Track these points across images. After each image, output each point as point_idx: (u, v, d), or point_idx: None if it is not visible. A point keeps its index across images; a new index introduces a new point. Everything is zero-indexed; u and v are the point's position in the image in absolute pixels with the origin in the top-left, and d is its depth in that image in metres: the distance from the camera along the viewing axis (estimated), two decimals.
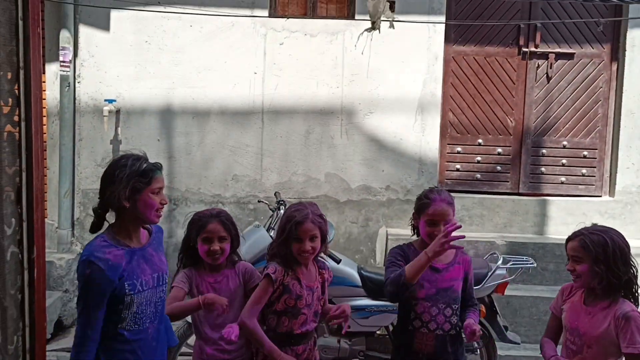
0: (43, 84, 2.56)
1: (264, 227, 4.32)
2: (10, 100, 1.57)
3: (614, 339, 2.43)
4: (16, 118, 1.57)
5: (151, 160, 2.29)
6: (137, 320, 2.34)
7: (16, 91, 1.57)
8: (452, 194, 5.58)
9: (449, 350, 2.82)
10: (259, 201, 5.04)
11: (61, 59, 5.23)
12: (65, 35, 5.23)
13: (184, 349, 4.15)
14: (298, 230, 2.65)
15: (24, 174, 1.57)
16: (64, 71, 5.27)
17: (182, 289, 2.74)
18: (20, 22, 1.56)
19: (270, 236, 4.23)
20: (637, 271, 2.50)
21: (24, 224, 1.57)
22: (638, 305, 2.50)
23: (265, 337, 2.68)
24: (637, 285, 2.51)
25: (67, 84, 5.31)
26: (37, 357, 1.59)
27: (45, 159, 5.47)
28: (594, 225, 2.60)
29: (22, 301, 1.56)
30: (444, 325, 2.80)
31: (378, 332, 4.16)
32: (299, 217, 2.67)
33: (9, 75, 1.56)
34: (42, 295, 1.62)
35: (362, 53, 5.41)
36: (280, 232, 2.73)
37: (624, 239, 2.50)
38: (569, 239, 2.56)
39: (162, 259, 2.52)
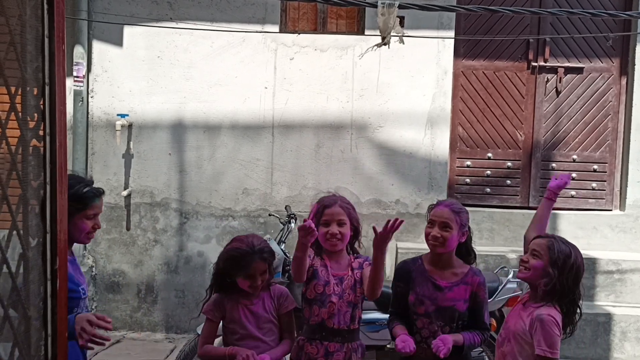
0: None
1: (275, 240, 4.34)
2: (35, 115, 1.60)
3: (528, 339, 2.52)
4: (41, 132, 1.60)
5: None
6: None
7: (41, 106, 1.61)
8: None
9: None
10: (269, 215, 5.06)
11: (75, 74, 5.31)
12: (79, 51, 5.31)
13: None
14: (325, 213, 2.72)
15: (48, 187, 1.60)
16: (77, 86, 5.34)
17: (215, 322, 2.73)
18: (46, 40, 1.60)
19: (282, 249, 4.26)
20: (580, 298, 2.60)
21: (48, 236, 1.60)
22: (574, 330, 2.61)
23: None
24: (578, 311, 2.59)
25: (81, 98, 5.38)
26: None
27: None
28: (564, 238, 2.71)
29: (44, 311, 1.59)
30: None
31: (388, 345, 4.16)
32: (327, 201, 2.79)
33: (35, 91, 1.60)
34: (64, 305, 1.64)
35: (373, 66, 5.46)
36: (311, 215, 2.78)
37: (584, 265, 2.61)
38: (538, 237, 2.67)
39: (78, 269, 2.66)
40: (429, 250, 2.88)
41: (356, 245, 2.95)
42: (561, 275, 2.51)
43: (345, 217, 2.75)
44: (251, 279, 2.63)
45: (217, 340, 2.93)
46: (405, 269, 2.90)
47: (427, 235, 2.80)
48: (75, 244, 2.62)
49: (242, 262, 2.62)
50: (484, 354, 4.12)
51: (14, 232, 1.50)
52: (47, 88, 1.62)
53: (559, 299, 2.53)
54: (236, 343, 2.68)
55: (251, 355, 2.57)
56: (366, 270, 2.78)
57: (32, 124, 1.58)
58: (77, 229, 2.43)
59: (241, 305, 2.69)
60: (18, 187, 1.54)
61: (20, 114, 1.53)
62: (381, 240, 2.60)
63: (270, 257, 2.66)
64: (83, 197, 2.44)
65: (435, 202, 2.93)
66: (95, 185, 2.56)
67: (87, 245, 5.58)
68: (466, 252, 2.89)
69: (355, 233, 2.85)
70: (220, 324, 2.80)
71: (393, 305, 2.93)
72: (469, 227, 2.88)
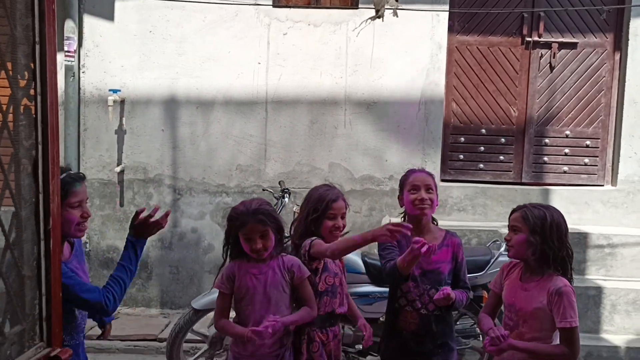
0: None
1: None
2: (26, 74, 1.59)
3: (548, 314, 2.50)
4: (32, 92, 1.59)
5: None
6: (72, 330, 2.40)
7: (32, 65, 1.59)
8: (456, 184, 5.66)
9: (433, 329, 2.85)
10: (263, 190, 5.06)
11: (66, 48, 5.26)
12: (69, 25, 5.25)
13: (189, 336, 4.19)
14: (333, 207, 2.78)
15: (40, 147, 1.60)
16: (68, 61, 5.29)
17: (227, 295, 2.72)
18: None
19: None
20: (572, 252, 2.60)
21: (40, 196, 1.60)
22: (572, 283, 2.58)
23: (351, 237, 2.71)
24: (572, 266, 2.59)
25: (72, 74, 5.34)
26: (54, 325, 1.62)
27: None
28: (537, 203, 2.71)
29: (38, 271, 1.59)
30: (428, 305, 2.84)
31: (381, 318, 4.19)
32: (332, 195, 2.82)
33: (25, 50, 1.58)
34: (58, 266, 1.64)
35: (367, 41, 5.44)
36: (312, 211, 2.81)
37: (564, 219, 2.59)
38: (513, 211, 2.66)
39: (85, 270, 2.55)
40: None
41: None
42: (544, 240, 2.51)
43: (345, 210, 2.86)
44: (250, 241, 2.62)
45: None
46: None
47: (412, 201, 2.84)
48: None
49: (236, 223, 2.63)
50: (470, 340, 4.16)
51: (7, 191, 1.50)
52: (37, 47, 1.60)
53: (553, 262, 2.54)
54: (246, 309, 2.67)
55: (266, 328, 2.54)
56: None
57: (22, 84, 1.57)
58: (64, 222, 2.17)
59: (250, 274, 2.68)
60: (10, 146, 1.53)
61: (10, 72, 1.52)
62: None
63: (267, 219, 2.62)
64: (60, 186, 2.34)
65: (405, 173, 2.98)
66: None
67: None
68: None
69: None
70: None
71: (384, 259, 2.89)
72: None
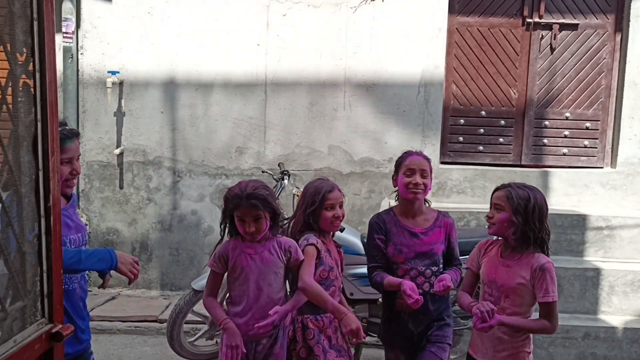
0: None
1: None
2: (24, 50, 1.58)
3: (530, 290, 2.59)
4: (31, 68, 1.59)
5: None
6: (65, 278, 2.37)
7: (30, 42, 1.58)
8: (455, 166, 5.66)
9: (430, 308, 2.88)
10: (262, 172, 5.07)
11: (64, 30, 5.23)
12: (67, 6, 5.21)
13: (190, 317, 4.22)
14: (329, 198, 2.81)
15: (39, 124, 1.59)
16: (66, 42, 5.27)
17: (219, 274, 2.74)
18: None
19: None
20: (550, 233, 2.66)
21: (40, 173, 1.59)
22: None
23: (329, 296, 2.72)
24: (548, 247, 2.66)
25: (70, 55, 5.31)
26: (55, 302, 1.62)
27: None
28: (520, 182, 2.76)
29: (39, 247, 1.60)
30: (423, 285, 2.87)
31: (381, 299, 4.22)
32: (327, 186, 2.87)
33: (23, 26, 1.57)
34: (59, 243, 1.65)
35: (367, 23, 5.40)
36: (310, 204, 2.83)
37: (546, 201, 2.66)
38: (496, 189, 2.71)
39: (81, 221, 2.60)
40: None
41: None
42: (526, 221, 2.56)
43: (342, 199, 2.90)
44: (243, 223, 2.62)
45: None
46: (381, 221, 2.97)
47: (406, 185, 2.85)
48: None
49: (230, 204, 2.64)
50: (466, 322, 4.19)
51: (6, 168, 1.50)
52: (35, 23, 1.59)
53: (533, 242, 2.59)
54: (240, 288, 2.69)
55: (237, 346, 2.60)
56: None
57: (21, 60, 1.56)
58: None
59: (244, 254, 2.69)
60: (9, 122, 1.53)
61: (9, 48, 1.51)
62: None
63: (260, 203, 2.61)
64: None
65: (402, 154, 3.00)
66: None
67: (80, 203, 5.58)
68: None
69: None
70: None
71: (372, 260, 2.97)
72: None
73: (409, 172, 2.86)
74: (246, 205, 2.60)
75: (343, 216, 2.88)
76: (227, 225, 2.73)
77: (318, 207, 2.81)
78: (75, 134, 2.40)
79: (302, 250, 2.77)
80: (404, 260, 2.87)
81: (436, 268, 2.88)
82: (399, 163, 2.96)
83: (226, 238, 2.79)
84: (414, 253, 2.87)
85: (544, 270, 2.55)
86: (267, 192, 2.69)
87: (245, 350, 2.65)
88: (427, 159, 2.95)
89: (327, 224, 2.84)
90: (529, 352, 2.67)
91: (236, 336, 2.62)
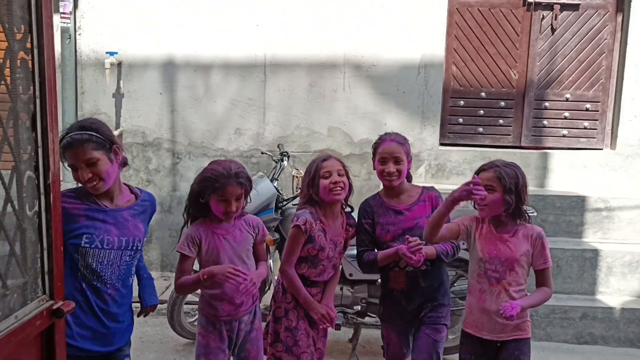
0: None
1: (268, 177, 4.35)
2: (22, 27, 1.57)
3: (529, 260, 2.71)
4: (29, 45, 1.58)
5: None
6: (96, 277, 2.35)
7: (28, 18, 1.57)
8: (455, 148, 5.65)
9: (421, 285, 2.92)
10: (262, 153, 5.06)
11: (61, 10, 5.18)
12: None
13: (190, 297, 4.24)
14: (323, 166, 2.81)
15: (38, 101, 1.59)
16: (64, 23, 5.23)
17: (190, 257, 2.67)
18: None
19: (275, 187, 4.28)
20: (526, 203, 2.77)
21: (39, 150, 1.59)
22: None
23: (302, 287, 2.81)
24: (528, 214, 2.78)
25: (68, 36, 5.27)
26: (56, 278, 1.63)
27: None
28: (501, 160, 2.82)
29: (39, 225, 1.60)
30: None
31: (379, 280, 4.23)
32: (322, 156, 2.90)
33: (20, 2, 1.56)
34: (59, 220, 1.65)
35: (367, 3, 5.36)
36: (307, 175, 2.87)
37: (524, 174, 2.77)
38: (482, 169, 2.73)
39: (139, 226, 2.48)
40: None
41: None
42: (518, 199, 2.67)
43: (342, 168, 2.86)
44: (225, 203, 2.59)
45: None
46: (368, 205, 3.02)
47: (381, 172, 2.90)
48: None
49: (216, 184, 2.57)
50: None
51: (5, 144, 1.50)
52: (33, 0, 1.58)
53: (520, 214, 2.71)
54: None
55: (232, 269, 2.54)
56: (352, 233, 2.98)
57: (19, 36, 1.56)
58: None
59: (217, 235, 2.67)
60: (7, 100, 1.53)
61: (6, 24, 1.51)
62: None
63: (246, 183, 2.63)
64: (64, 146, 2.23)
65: (378, 139, 3.00)
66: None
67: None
68: (408, 175, 3.02)
69: (350, 186, 2.93)
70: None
71: (362, 244, 3.00)
72: None
73: (382, 160, 2.89)
74: (234, 184, 2.58)
75: (345, 184, 2.82)
76: (195, 209, 2.69)
77: (314, 176, 2.82)
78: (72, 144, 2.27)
79: (294, 231, 2.80)
80: (392, 239, 2.90)
81: (424, 242, 2.87)
82: (374, 148, 2.98)
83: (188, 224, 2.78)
84: (401, 230, 2.89)
85: (541, 237, 2.69)
86: (246, 169, 2.72)
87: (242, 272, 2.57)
88: (402, 143, 2.91)
89: (325, 193, 2.80)
90: (530, 321, 2.80)
91: (223, 267, 2.56)
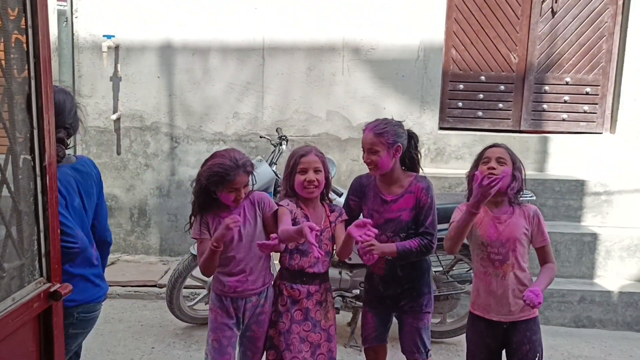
0: None
1: (267, 161, 4.34)
2: (16, 7, 1.55)
3: (528, 238, 2.72)
4: (23, 25, 1.55)
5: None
6: None
7: None
8: (454, 132, 5.63)
9: (399, 274, 2.90)
10: (260, 137, 5.04)
11: None
12: None
13: (189, 282, 4.25)
14: (301, 162, 2.77)
15: (32, 82, 1.57)
16: (60, 6, 5.18)
17: (205, 239, 2.69)
18: None
19: (273, 171, 4.27)
20: None
21: (35, 132, 1.58)
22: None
23: (292, 227, 2.65)
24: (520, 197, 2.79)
25: (65, 19, 5.23)
26: (53, 261, 1.62)
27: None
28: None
29: (35, 207, 1.59)
30: None
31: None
32: (302, 151, 2.83)
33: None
34: (55, 202, 1.64)
35: None
36: (286, 168, 2.84)
37: None
38: (490, 147, 2.75)
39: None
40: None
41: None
42: (521, 175, 2.72)
43: (321, 165, 2.81)
44: (236, 192, 2.65)
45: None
46: (360, 183, 2.99)
47: (365, 162, 2.88)
48: None
49: (227, 178, 2.60)
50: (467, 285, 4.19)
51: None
52: None
53: (516, 198, 2.73)
54: (226, 252, 2.70)
55: (228, 219, 2.54)
56: (339, 227, 2.84)
57: (13, 16, 1.53)
58: None
59: (222, 218, 2.67)
60: (1, 79, 1.50)
61: None
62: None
63: (252, 170, 2.69)
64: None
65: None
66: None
67: None
68: (409, 162, 2.93)
69: (327, 183, 2.88)
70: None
71: None
72: (414, 136, 2.94)
73: (363, 149, 2.87)
74: (243, 174, 2.63)
75: (320, 182, 2.77)
76: (203, 201, 2.70)
77: (292, 171, 2.79)
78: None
79: (276, 211, 2.78)
80: (375, 226, 2.77)
81: (404, 234, 2.85)
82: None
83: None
84: (383, 219, 2.87)
85: (537, 215, 2.72)
86: (245, 155, 2.74)
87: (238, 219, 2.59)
88: (379, 133, 2.77)
89: (299, 188, 2.78)
90: None
91: (229, 218, 2.55)
